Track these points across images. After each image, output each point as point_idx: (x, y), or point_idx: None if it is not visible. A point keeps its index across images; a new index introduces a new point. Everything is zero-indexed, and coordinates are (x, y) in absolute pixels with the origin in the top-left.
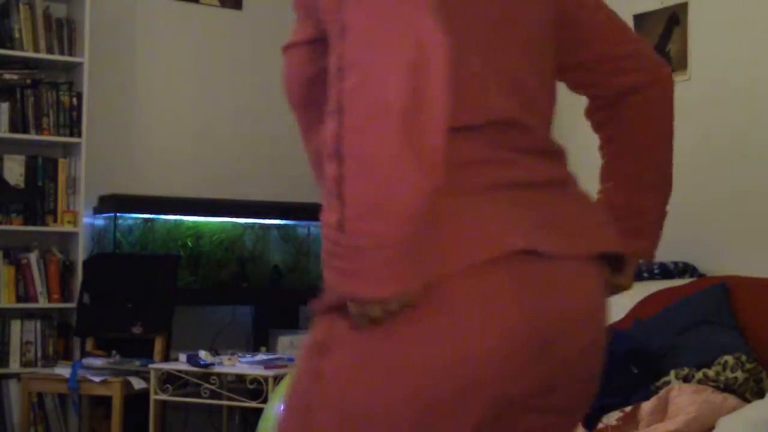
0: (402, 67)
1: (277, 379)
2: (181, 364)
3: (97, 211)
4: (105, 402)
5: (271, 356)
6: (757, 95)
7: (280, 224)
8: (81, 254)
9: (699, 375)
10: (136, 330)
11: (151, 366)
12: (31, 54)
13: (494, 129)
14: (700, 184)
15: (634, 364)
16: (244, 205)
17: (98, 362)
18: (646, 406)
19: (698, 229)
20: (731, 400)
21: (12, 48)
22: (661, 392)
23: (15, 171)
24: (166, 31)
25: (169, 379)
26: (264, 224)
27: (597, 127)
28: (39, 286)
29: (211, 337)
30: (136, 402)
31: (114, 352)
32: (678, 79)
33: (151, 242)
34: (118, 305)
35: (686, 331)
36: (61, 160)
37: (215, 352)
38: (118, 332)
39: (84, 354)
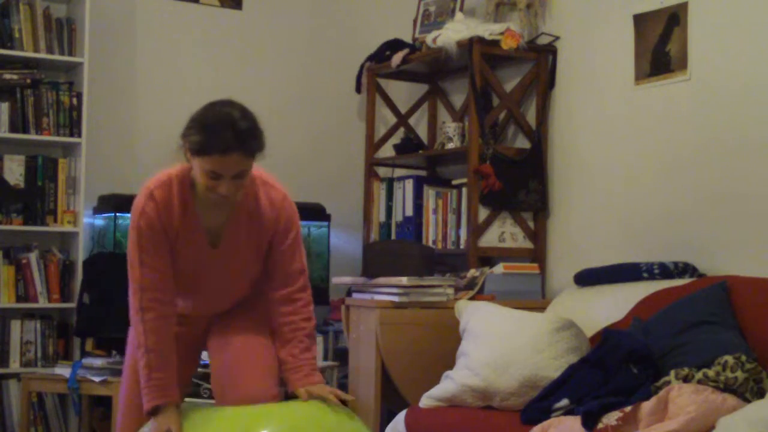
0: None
1: None
2: None
3: (97, 211)
4: (105, 402)
5: None
6: (757, 95)
7: None
8: (81, 254)
9: (699, 375)
10: None
11: None
12: (31, 54)
13: None
14: (701, 184)
15: (634, 364)
16: None
17: (98, 362)
18: (646, 406)
19: (698, 229)
20: (731, 400)
21: (12, 48)
22: (661, 392)
23: (15, 171)
24: (166, 31)
25: None
26: None
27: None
28: (39, 286)
29: None
30: None
31: (114, 352)
32: (678, 79)
33: None
34: (118, 305)
35: (686, 331)
36: (61, 160)
37: None
38: (118, 332)
39: (84, 354)
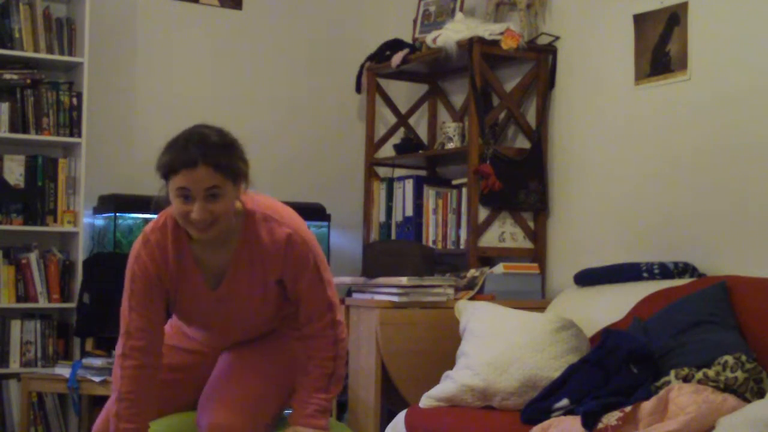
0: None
1: None
2: None
3: (97, 211)
4: (105, 402)
5: None
6: (757, 95)
7: None
8: (81, 254)
9: (699, 375)
10: None
11: None
12: (31, 54)
13: None
14: (700, 184)
15: (634, 364)
16: None
17: (98, 362)
18: (646, 406)
19: (698, 229)
20: (731, 400)
21: (12, 48)
22: (661, 392)
23: (15, 171)
24: (166, 31)
25: None
26: None
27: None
28: (39, 286)
29: None
30: None
31: (114, 352)
32: (678, 79)
33: None
34: (118, 305)
35: (686, 331)
36: (61, 160)
37: None
38: (118, 332)
39: (84, 354)
